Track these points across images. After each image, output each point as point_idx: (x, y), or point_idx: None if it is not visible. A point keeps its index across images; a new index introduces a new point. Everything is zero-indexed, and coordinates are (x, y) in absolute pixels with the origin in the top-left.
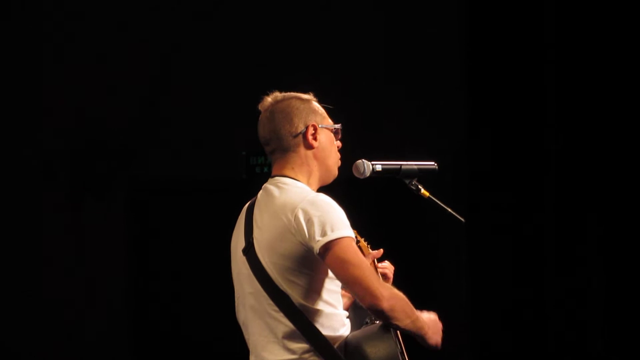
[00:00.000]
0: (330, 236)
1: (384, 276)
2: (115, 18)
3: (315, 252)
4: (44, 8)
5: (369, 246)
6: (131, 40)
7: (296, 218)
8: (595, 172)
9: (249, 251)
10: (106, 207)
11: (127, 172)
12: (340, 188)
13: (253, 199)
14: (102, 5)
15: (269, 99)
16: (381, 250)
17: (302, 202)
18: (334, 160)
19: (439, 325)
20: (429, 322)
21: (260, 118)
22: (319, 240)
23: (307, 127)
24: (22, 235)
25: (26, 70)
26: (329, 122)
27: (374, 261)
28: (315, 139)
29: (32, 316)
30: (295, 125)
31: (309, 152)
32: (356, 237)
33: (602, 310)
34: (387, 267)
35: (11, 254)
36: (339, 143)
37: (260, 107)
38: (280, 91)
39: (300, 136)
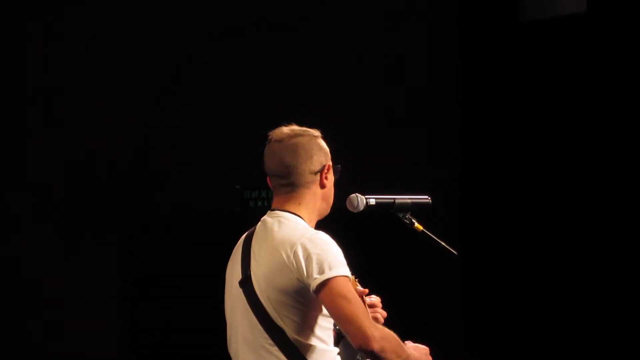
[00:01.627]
0: (328, 274)
1: (375, 320)
2: (108, 55)
3: (311, 289)
4: (38, 45)
5: (357, 280)
6: (125, 77)
7: (295, 254)
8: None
9: (246, 284)
10: (100, 242)
11: (121, 207)
12: (335, 223)
13: (250, 231)
14: (97, 41)
15: (285, 130)
16: (366, 290)
17: (301, 239)
18: (332, 198)
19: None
20: (417, 354)
21: (272, 147)
22: (316, 278)
23: (323, 167)
24: (15, 271)
25: (21, 106)
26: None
27: (362, 297)
28: (327, 178)
29: (27, 354)
30: (315, 162)
31: (319, 191)
32: None
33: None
34: (376, 302)
35: (5, 289)
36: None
37: (275, 135)
38: (280, 124)
39: (318, 174)
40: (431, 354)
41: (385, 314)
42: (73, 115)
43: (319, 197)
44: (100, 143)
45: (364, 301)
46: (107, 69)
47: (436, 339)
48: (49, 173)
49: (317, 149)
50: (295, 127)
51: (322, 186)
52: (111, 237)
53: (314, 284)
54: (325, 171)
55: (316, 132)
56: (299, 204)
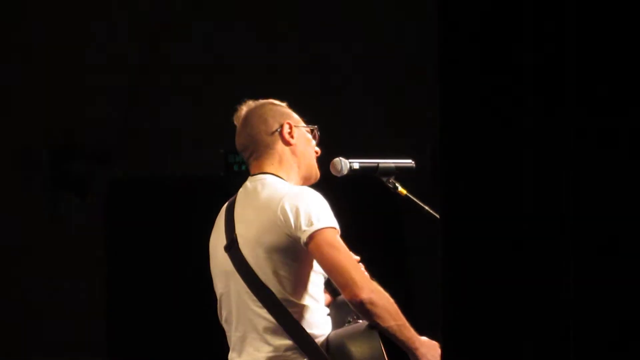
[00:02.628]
0: (317, 225)
1: None
2: (93, 18)
3: (301, 242)
4: (24, 9)
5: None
6: (109, 39)
7: (282, 210)
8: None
9: (232, 247)
10: (84, 205)
11: (105, 171)
12: (321, 186)
13: (232, 198)
14: (82, 6)
15: (243, 108)
16: (358, 258)
17: (287, 194)
18: (312, 159)
19: (438, 351)
20: (427, 343)
21: (237, 129)
22: (305, 230)
23: (282, 125)
24: None
25: (5, 69)
26: (303, 124)
27: None
28: (291, 136)
29: (7, 317)
30: (270, 124)
31: (287, 149)
32: None
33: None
34: None
35: None
36: (317, 149)
37: (236, 119)
38: (256, 96)
39: (277, 134)
40: (413, 321)
41: None
42: (55, 78)
43: (289, 155)
44: (82, 106)
45: None
46: (90, 31)
47: (419, 306)
48: (31, 137)
49: (271, 112)
50: (250, 102)
51: (286, 143)
52: (95, 201)
53: (303, 236)
54: (287, 130)
55: (275, 101)
56: (272, 164)
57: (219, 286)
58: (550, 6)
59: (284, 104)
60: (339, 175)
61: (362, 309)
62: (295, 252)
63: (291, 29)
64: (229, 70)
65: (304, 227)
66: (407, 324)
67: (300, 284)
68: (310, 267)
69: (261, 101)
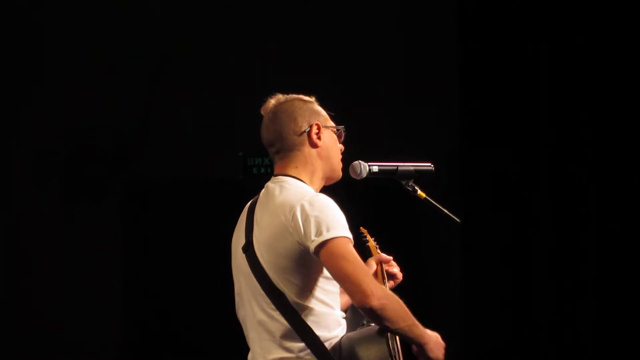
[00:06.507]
0: (326, 236)
1: (394, 276)
2: (107, 20)
3: (311, 251)
4: (37, 11)
5: (377, 247)
6: (125, 42)
7: (294, 217)
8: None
9: (248, 249)
10: (101, 209)
11: (123, 174)
12: (338, 189)
13: (255, 198)
14: (95, 8)
15: (271, 101)
16: (390, 258)
17: (300, 201)
18: (337, 160)
19: (442, 343)
20: (432, 336)
21: (263, 121)
22: (315, 240)
23: (310, 126)
24: (14, 239)
25: (20, 73)
26: (331, 123)
27: (380, 264)
28: (319, 138)
29: (24, 319)
30: (299, 124)
31: (313, 151)
32: (366, 235)
33: (595, 309)
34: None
35: (3, 256)
36: (341, 146)
37: (263, 110)
38: (282, 89)
39: (305, 135)
40: (429, 315)
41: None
42: (73, 80)
43: (315, 158)
44: (100, 109)
45: (382, 267)
46: (107, 35)
47: (436, 311)
48: (48, 139)
49: (301, 111)
50: (279, 96)
51: (313, 145)
52: (111, 203)
53: (312, 246)
54: (315, 131)
55: (306, 97)
56: (296, 167)
57: (236, 285)
58: None
59: (312, 99)
60: (357, 178)
61: (373, 315)
62: (306, 260)
63: (308, 26)
64: (247, 71)
65: (313, 237)
66: (416, 322)
67: (309, 290)
68: (321, 274)
69: (291, 96)
